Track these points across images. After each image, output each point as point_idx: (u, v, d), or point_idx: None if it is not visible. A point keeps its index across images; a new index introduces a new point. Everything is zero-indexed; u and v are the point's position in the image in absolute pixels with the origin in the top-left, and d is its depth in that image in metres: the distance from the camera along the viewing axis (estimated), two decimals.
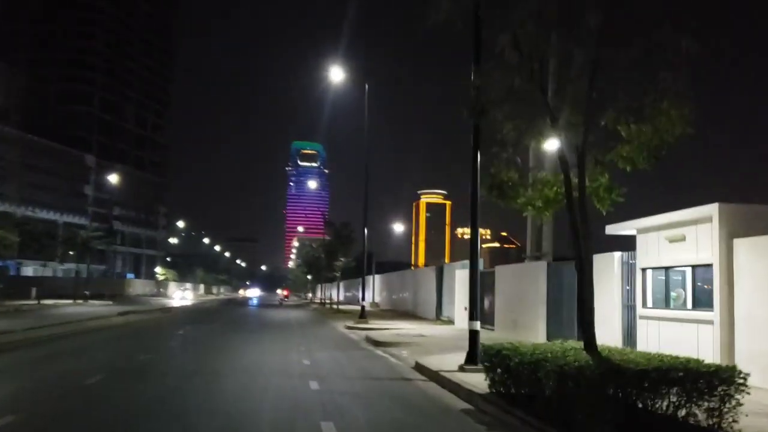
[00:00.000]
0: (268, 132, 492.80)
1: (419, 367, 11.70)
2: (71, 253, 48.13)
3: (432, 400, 8.74)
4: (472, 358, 10.75)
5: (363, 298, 27.44)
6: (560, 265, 17.27)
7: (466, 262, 30.09)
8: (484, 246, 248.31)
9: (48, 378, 9.59)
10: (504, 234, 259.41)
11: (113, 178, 79.32)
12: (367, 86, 26.81)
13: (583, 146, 7.62)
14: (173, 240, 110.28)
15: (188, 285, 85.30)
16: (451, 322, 25.71)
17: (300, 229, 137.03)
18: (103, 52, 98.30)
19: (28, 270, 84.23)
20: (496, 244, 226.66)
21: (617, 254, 14.58)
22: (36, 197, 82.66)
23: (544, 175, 8.79)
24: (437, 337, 18.67)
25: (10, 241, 31.28)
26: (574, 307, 16.39)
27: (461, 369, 10.60)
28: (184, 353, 13.84)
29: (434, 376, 10.55)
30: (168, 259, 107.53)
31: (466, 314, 24.16)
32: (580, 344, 7.97)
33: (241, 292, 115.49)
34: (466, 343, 17.18)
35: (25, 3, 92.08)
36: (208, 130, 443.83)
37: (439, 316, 29.16)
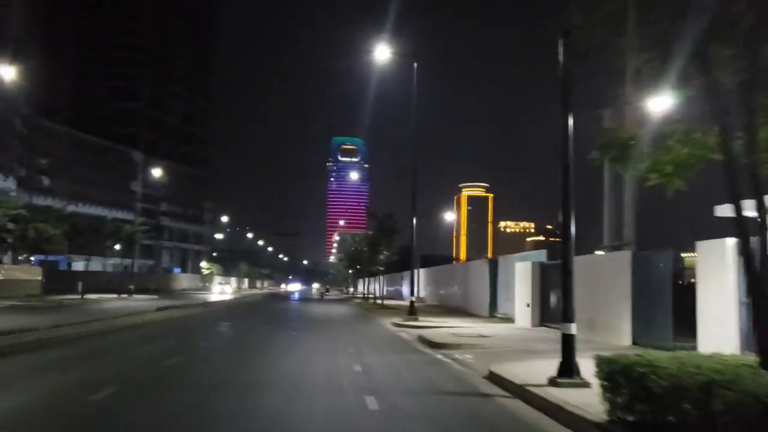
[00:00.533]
0: (309, 127, 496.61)
1: (495, 378, 9.59)
2: (117, 247, 48.01)
3: (528, 429, 6.62)
4: (567, 369, 8.56)
5: (412, 293, 25.44)
6: (650, 255, 14.78)
7: (526, 254, 27.73)
8: (528, 240, 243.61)
9: (44, 392, 7.77)
10: (550, 227, 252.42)
11: (160, 174, 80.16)
12: (415, 65, 24.73)
13: (753, 77, 5.35)
14: (219, 235, 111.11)
15: (230, 279, 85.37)
16: (508, 319, 23.40)
17: (341, 222, 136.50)
18: (149, 49, 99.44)
19: (79, 265, 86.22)
20: (541, 238, 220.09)
21: (730, 241, 12.03)
22: (85, 193, 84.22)
23: (677, 129, 6.47)
24: (500, 338, 16.48)
25: (50, 234, 30.85)
26: (669, 304, 13.94)
27: (553, 383, 8.43)
28: (217, 356, 12.06)
29: (518, 391, 8.43)
30: (214, 254, 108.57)
31: (528, 311, 21.99)
32: (746, 358, 5.70)
33: (283, 286, 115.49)
34: (536, 345, 15.17)
35: (71, 1, 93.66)
36: (247, 125, 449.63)
37: (493, 312, 26.92)
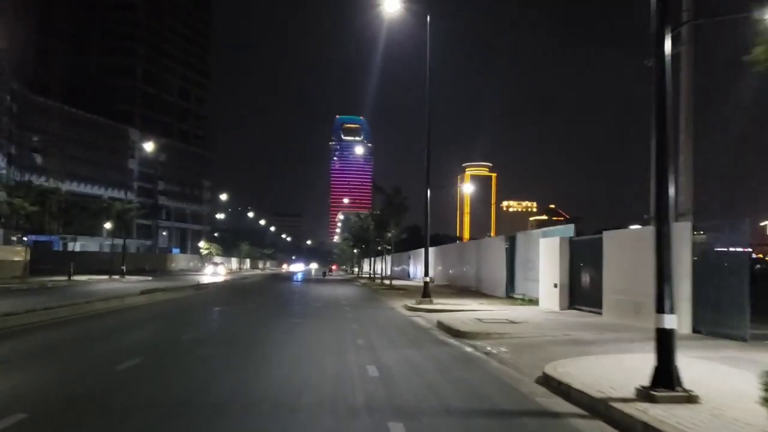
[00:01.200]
0: (311, 106, 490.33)
1: (554, 384, 7.23)
2: (108, 226, 45.75)
3: None
4: (665, 378, 6.17)
5: (426, 273, 23.15)
6: (717, 227, 12.37)
7: (550, 229, 25.20)
8: (531, 219, 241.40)
9: None
10: (552, 206, 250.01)
11: (156, 152, 77.58)
12: (429, 18, 22.07)
13: None
14: (220, 215, 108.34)
15: (231, 260, 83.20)
16: (530, 301, 21.13)
17: (345, 201, 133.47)
18: (143, 23, 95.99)
19: (77, 246, 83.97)
20: (544, 217, 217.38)
21: None
22: (79, 171, 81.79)
23: None
24: (532, 324, 14.20)
25: (27, 211, 28.48)
26: (745, 285, 11.54)
27: (646, 396, 6.07)
28: (193, 357, 9.37)
29: (600, 408, 6.07)
30: (215, 234, 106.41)
31: (555, 293, 19.45)
32: None
33: (285, 266, 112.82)
34: (579, 334, 12.31)
35: None
36: (247, 103, 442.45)
37: (509, 293, 24.74)
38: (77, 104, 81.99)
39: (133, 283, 31.74)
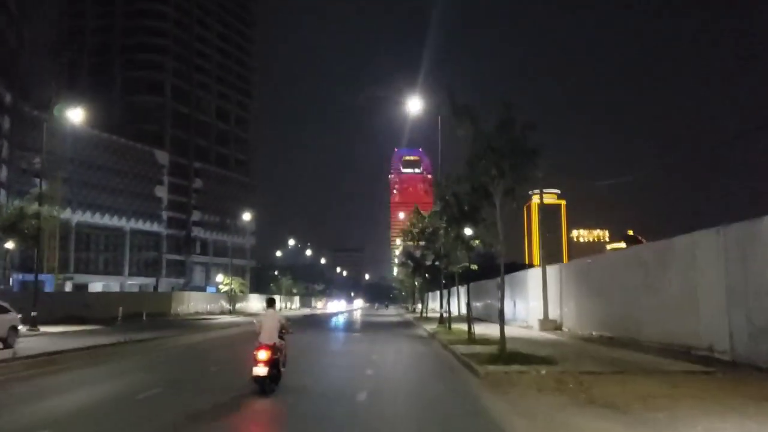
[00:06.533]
0: (369, 135, 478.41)
1: None
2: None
3: None
4: None
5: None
6: None
7: None
8: (608, 248, 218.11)
9: None
10: (630, 233, 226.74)
11: (192, 179, 65.55)
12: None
13: None
14: (278, 253, 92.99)
15: (256, 298, 68.70)
16: None
17: (401, 216, 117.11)
18: (174, 34, 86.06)
19: (98, 286, 72.82)
20: (623, 245, 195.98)
21: None
22: (95, 200, 70.82)
23: None
24: None
25: None
26: None
27: None
28: None
29: None
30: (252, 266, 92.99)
31: None
32: None
33: (320, 304, 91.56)
34: None
35: None
36: (291, 132, 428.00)
37: None
38: (96, 123, 71.74)
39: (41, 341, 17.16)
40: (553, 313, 22.62)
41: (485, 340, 17.22)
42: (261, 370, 8.59)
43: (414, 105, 22.51)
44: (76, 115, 25.51)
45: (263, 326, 9.15)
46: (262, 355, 8.67)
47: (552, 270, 23.18)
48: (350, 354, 16.76)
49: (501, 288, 12.45)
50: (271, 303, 9.97)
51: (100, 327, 30.44)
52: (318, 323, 38.52)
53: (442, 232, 21.71)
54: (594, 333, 18.92)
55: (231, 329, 29.27)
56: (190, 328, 28.67)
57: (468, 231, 18.28)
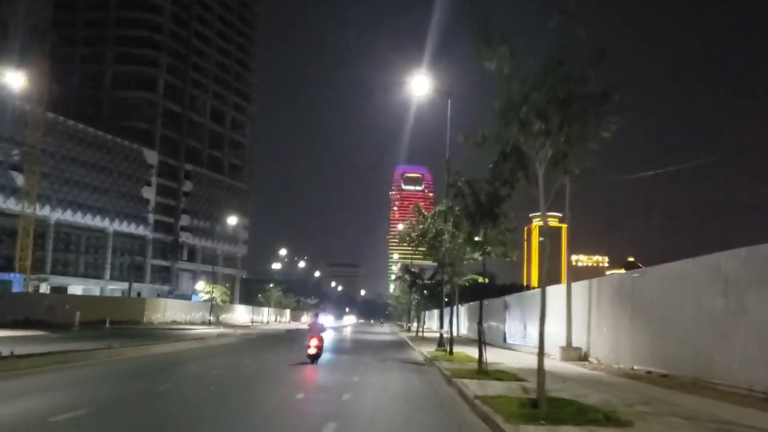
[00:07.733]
0: (371, 149, 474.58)
1: None
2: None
3: None
4: None
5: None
6: None
7: None
8: (607, 273, 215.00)
9: None
10: (631, 259, 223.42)
11: (182, 181, 61.58)
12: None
13: None
14: (276, 265, 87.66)
15: (244, 309, 64.22)
16: None
17: (400, 227, 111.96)
18: (168, 28, 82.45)
19: (77, 289, 68.42)
20: (621, 271, 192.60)
21: None
22: (77, 198, 66.71)
23: None
24: None
25: None
26: None
27: None
28: None
29: None
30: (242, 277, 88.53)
31: None
32: None
33: (304, 318, 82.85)
34: None
35: None
36: (294, 137, 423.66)
37: None
38: (82, 118, 68.03)
39: None
40: (578, 341, 18.39)
41: (501, 372, 12.97)
42: (312, 351, 15.49)
43: (420, 85, 19.22)
44: (16, 80, 21.63)
45: (312, 327, 16.19)
46: (314, 341, 15.55)
47: (579, 287, 18.94)
48: (317, 391, 12.39)
49: (542, 301, 8.20)
50: (316, 315, 16.47)
51: (45, 333, 26.37)
52: (293, 340, 33.67)
53: (446, 236, 17.60)
54: (636, 367, 14.69)
55: (205, 341, 24.91)
56: (155, 338, 24.33)
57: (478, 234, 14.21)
